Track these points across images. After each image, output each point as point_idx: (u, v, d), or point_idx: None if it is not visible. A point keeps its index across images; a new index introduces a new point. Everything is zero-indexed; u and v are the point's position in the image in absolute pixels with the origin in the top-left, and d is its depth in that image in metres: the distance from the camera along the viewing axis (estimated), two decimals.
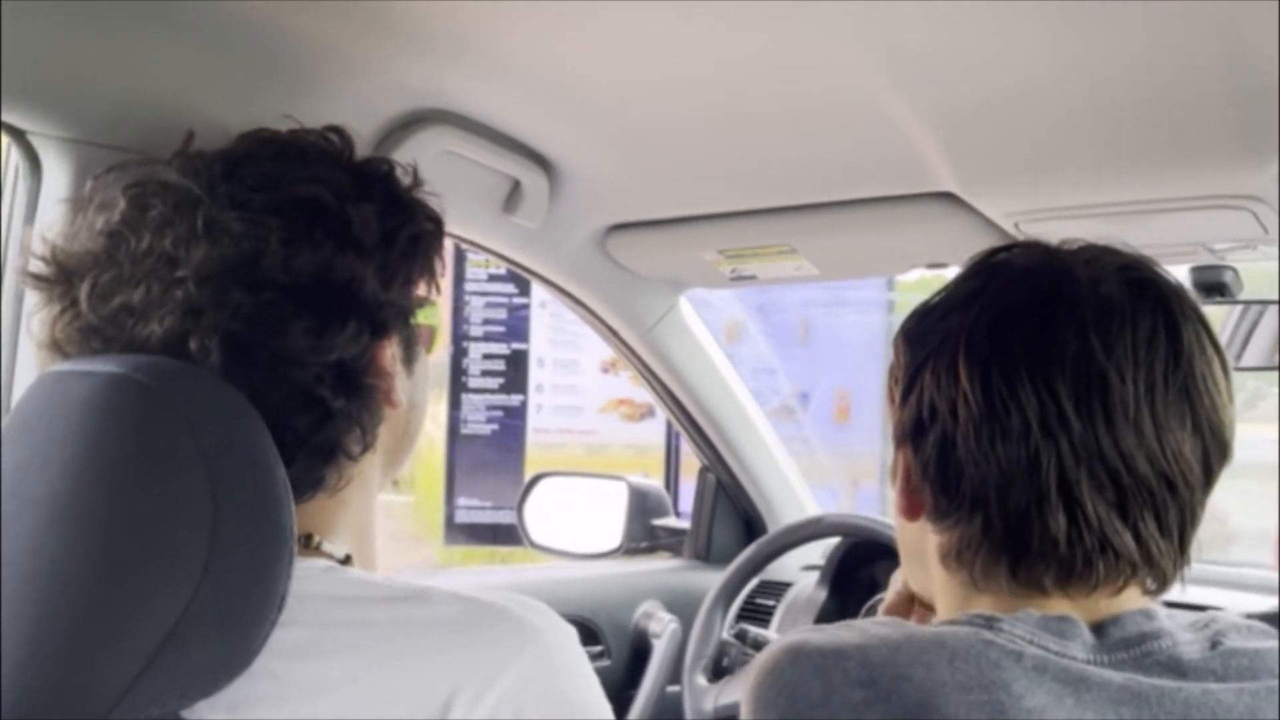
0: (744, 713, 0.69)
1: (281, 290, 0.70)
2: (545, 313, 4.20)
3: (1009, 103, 0.93)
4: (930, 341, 0.73)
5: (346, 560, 0.76)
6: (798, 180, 1.20)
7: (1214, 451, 0.69)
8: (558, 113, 1.09)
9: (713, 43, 0.90)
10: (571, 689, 0.69)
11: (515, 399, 4.21)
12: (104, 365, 0.67)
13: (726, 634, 1.63)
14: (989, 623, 0.66)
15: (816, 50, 0.89)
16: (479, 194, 1.21)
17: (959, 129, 0.99)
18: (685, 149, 1.14)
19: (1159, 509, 0.67)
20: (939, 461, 0.70)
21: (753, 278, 1.45)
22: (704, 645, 1.60)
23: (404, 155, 1.05)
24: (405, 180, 0.80)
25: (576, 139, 1.15)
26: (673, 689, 1.65)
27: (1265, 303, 1.23)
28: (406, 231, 0.78)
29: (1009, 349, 0.68)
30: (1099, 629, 0.67)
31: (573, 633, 0.72)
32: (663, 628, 1.68)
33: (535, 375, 4.24)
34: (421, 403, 0.85)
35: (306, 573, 0.69)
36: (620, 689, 1.66)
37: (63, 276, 0.72)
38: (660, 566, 1.89)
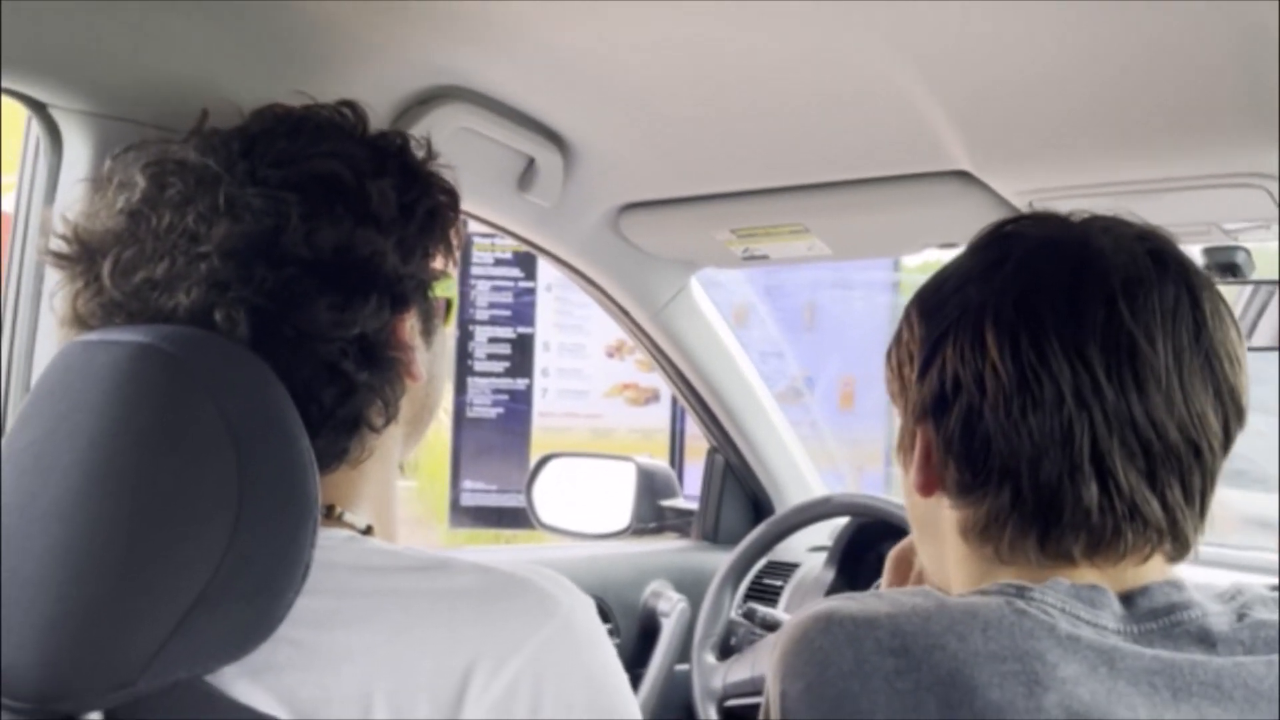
0: (770, 681, 0.68)
1: (304, 266, 0.70)
2: (551, 297, 4.19)
3: (1023, 82, 0.93)
4: (949, 313, 0.72)
5: (368, 531, 0.76)
6: (811, 159, 1.20)
7: (1233, 416, 0.70)
8: (574, 91, 1.09)
9: (728, 23, 0.90)
10: (592, 661, 0.70)
11: (521, 383, 4.21)
12: (130, 335, 0.67)
13: (735, 613, 1.64)
14: (1020, 592, 0.65)
15: (831, 30, 0.89)
16: (494, 171, 1.21)
17: (973, 108, 0.99)
18: (699, 128, 1.14)
19: (1185, 475, 0.68)
20: (964, 435, 0.70)
21: (765, 257, 1.46)
22: (712, 624, 1.61)
23: (420, 131, 1.04)
24: (420, 154, 0.81)
25: (592, 118, 1.15)
26: (681, 667, 1.66)
27: (1275, 283, 1.23)
28: (424, 205, 0.78)
29: (1038, 318, 0.68)
30: (1127, 599, 0.67)
31: (593, 605, 0.72)
32: (671, 607, 1.69)
33: (541, 359, 4.23)
34: (441, 375, 0.86)
35: (329, 542, 0.69)
36: (629, 667, 1.64)
37: (85, 254, 0.73)
38: (668, 546, 1.90)
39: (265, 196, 0.71)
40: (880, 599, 0.68)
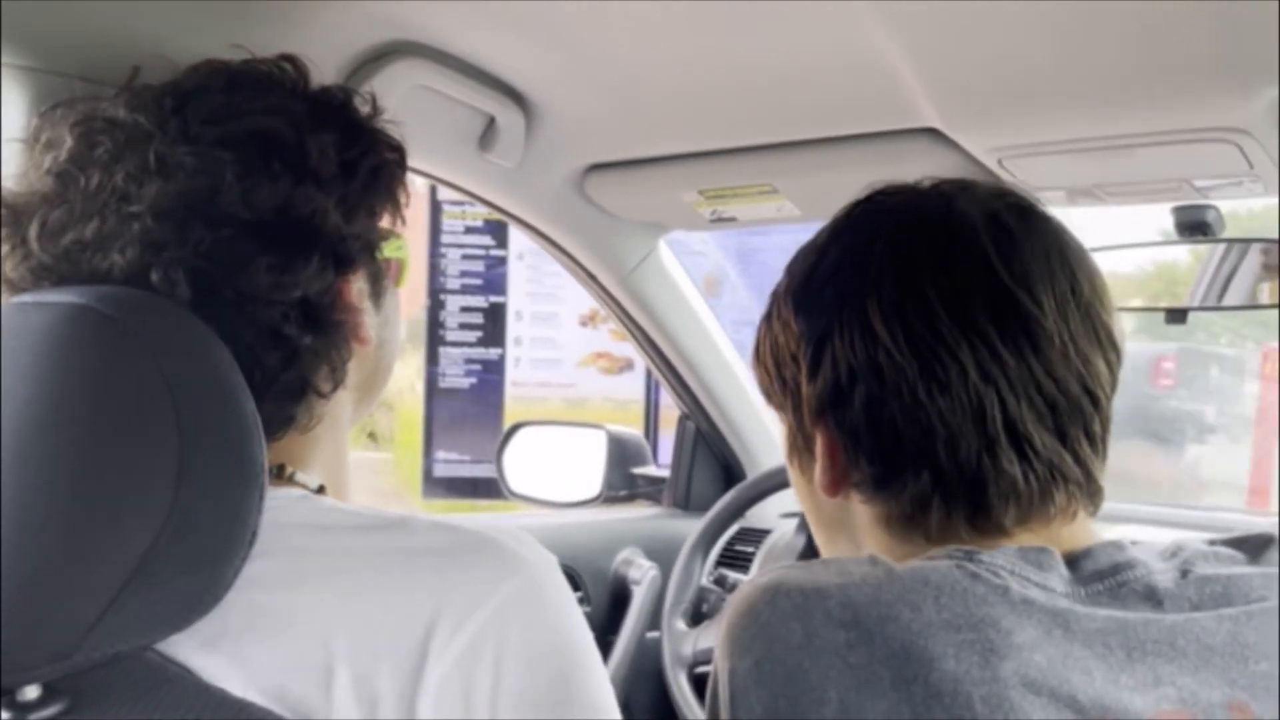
0: (719, 658, 0.66)
1: (242, 226, 0.68)
2: (523, 265, 4.16)
3: (993, 37, 0.91)
4: (828, 303, 0.70)
5: (320, 490, 0.75)
6: (779, 117, 1.17)
7: (1115, 360, 0.70)
8: (535, 47, 1.06)
9: None
10: (557, 619, 0.68)
11: (493, 352, 4.19)
12: (65, 296, 0.65)
13: (706, 580, 1.63)
14: (969, 555, 0.64)
15: None
16: (453, 131, 1.18)
17: (943, 64, 0.97)
18: (665, 86, 1.12)
19: (1088, 425, 0.68)
20: (871, 427, 0.68)
21: (733, 219, 1.44)
22: (683, 591, 1.60)
23: (374, 89, 1.02)
24: (364, 109, 0.78)
25: (554, 75, 1.12)
26: (652, 635, 1.65)
27: (1247, 241, 1.22)
28: (367, 162, 0.76)
29: (921, 293, 0.67)
30: (1071, 561, 0.66)
31: (557, 564, 0.71)
32: (642, 574, 1.68)
33: (513, 328, 4.21)
34: (392, 339, 0.83)
35: (281, 502, 0.68)
36: (600, 635, 1.64)
37: (11, 217, 0.70)
38: (640, 514, 1.89)
39: (198, 155, 0.69)
40: (828, 567, 0.66)
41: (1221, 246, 1.24)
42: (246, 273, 0.68)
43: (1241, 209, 1.18)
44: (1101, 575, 0.65)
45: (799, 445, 0.75)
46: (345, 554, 0.66)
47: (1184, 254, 1.30)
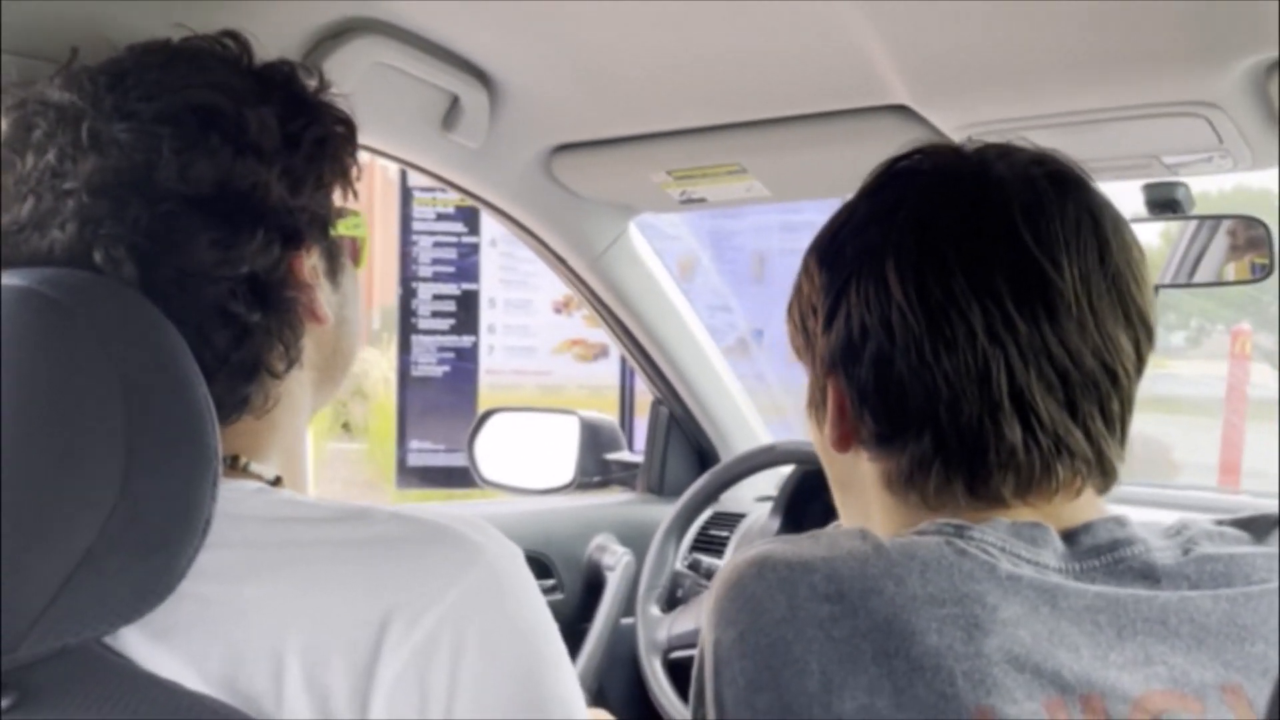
0: (705, 629, 0.66)
1: (181, 200, 0.67)
2: (496, 252, 4.15)
3: (961, 12, 0.90)
4: (849, 258, 0.70)
5: (277, 482, 0.73)
6: (747, 96, 1.16)
7: (1144, 338, 0.68)
8: (498, 24, 1.04)
9: None
10: (518, 610, 0.67)
11: (467, 340, 4.17)
12: (9, 279, 0.63)
13: (680, 565, 1.63)
14: (959, 531, 0.63)
15: None
16: (416, 110, 1.16)
17: (911, 40, 0.96)
18: (632, 65, 1.10)
19: (1104, 402, 0.66)
20: (878, 383, 0.68)
21: (702, 200, 1.42)
22: (657, 576, 1.59)
23: (333, 67, 1.01)
24: (310, 83, 0.77)
25: (517, 53, 1.10)
26: (627, 621, 1.64)
27: (1217, 217, 1.22)
28: (311, 133, 0.74)
29: (940, 255, 0.66)
30: (1069, 537, 0.65)
31: (518, 552, 0.69)
32: (616, 560, 1.67)
33: (487, 316, 4.19)
34: (353, 319, 0.82)
35: (236, 494, 0.66)
36: (574, 622, 1.65)
37: None
38: (613, 500, 1.88)
39: (133, 130, 0.67)
40: (816, 541, 0.65)
41: (1192, 225, 1.24)
42: (189, 249, 0.67)
43: (1212, 189, 1.18)
44: (1099, 551, 0.65)
45: (817, 399, 0.74)
46: (299, 546, 0.65)
47: (1155, 238, 1.30)
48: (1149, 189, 1.22)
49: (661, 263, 1.71)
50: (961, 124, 1.10)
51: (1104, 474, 0.68)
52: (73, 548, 0.58)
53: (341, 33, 1.01)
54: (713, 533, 1.73)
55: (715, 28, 1.00)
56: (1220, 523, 0.69)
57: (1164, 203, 1.21)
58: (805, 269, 0.74)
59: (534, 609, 0.68)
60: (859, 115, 1.14)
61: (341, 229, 0.79)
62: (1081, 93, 1.00)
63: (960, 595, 0.60)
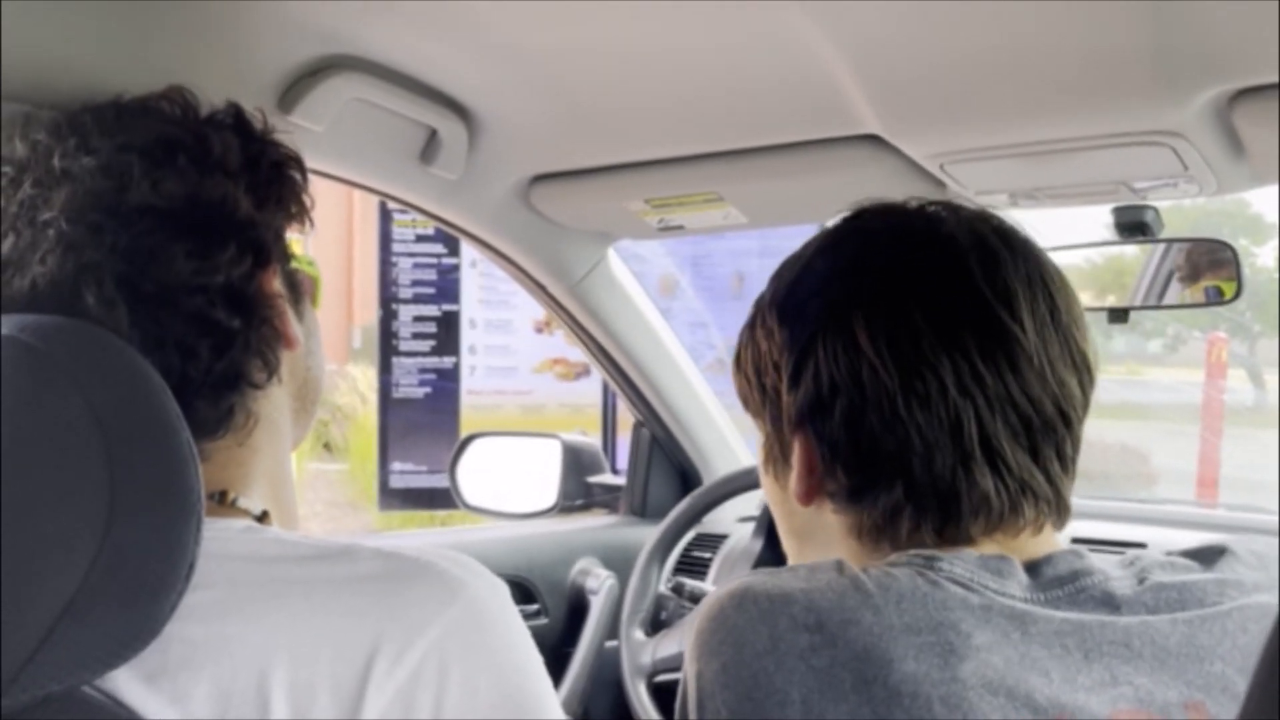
0: (688, 661, 0.67)
1: (155, 218, 0.69)
2: (476, 272, 4.15)
3: (930, 43, 0.92)
4: (814, 315, 0.71)
5: (264, 517, 0.74)
6: (723, 126, 1.17)
7: (1087, 381, 0.72)
8: (473, 58, 1.05)
9: None
10: (500, 644, 0.67)
11: (448, 361, 4.16)
12: None
13: (664, 587, 1.63)
14: (929, 562, 0.65)
15: None
16: (394, 144, 1.17)
17: (881, 71, 0.97)
18: (608, 96, 1.11)
19: (1059, 445, 0.70)
20: (850, 438, 0.69)
21: (680, 227, 1.43)
22: (641, 599, 1.60)
23: (313, 104, 1.02)
24: (256, 123, 0.80)
25: (494, 86, 1.11)
26: (611, 644, 1.64)
27: (1185, 240, 1.24)
28: (268, 157, 0.78)
29: (907, 309, 0.68)
30: (1032, 568, 0.67)
31: (502, 586, 0.70)
32: (600, 584, 1.67)
33: (468, 336, 4.19)
34: (318, 352, 0.84)
35: (224, 533, 0.67)
36: (558, 646, 1.65)
37: None
38: (596, 524, 1.88)
39: (101, 160, 0.70)
40: (795, 574, 0.67)
41: (1161, 247, 1.26)
42: (165, 262, 0.69)
43: (1186, 201, 1.20)
44: (1061, 581, 0.67)
45: (775, 454, 0.76)
46: (284, 584, 0.65)
47: (1131, 247, 1.32)
48: (1118, 212, 1.23)
49: (641, 283, 1.72)
50: (932, 153, 1.11)
51: (1060, 512, 0.71)
52: (56, 596, 0.58)
53: (319, 70, 1.02)
54: (696, 554, 1.73)
55: (688, 60, 1.01)
56: (1170, 553, 0.72)
57: (1133, 226, 1.23)
58: (761, 325, 0.76)
59: (517, 644, 0.69)
60: (833, 144, 1.15)
61: (302, 265, 0.82)
62: (1050, 123, 1.02)
63: (935, 624, 0.62)
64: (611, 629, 1.64)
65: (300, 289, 0.82)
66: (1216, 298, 1.23)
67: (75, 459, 0.60)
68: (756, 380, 0.76)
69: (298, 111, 1.01)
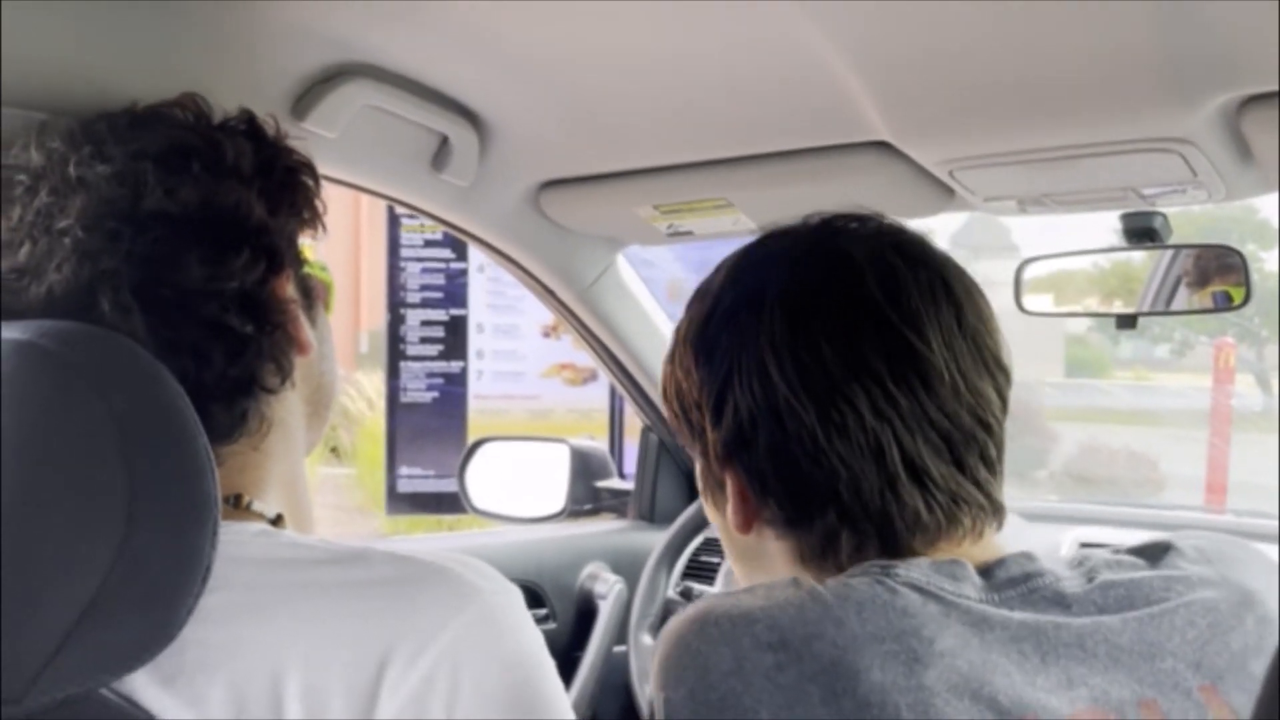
0: (654, 689, 0.66)
1: (170, 223, 0.70)
2: (484, 277, 4.15)
3: (939, 50, 0.92)
4: (725, 350, 0.72)
5: (278, 520, 0.75)
6: (732, 133, 1.18)
7: (1004, 383, 0.73)
8: (486, 66, 1.06)
9: None
10: (512, 650, 0.68)
11: (455, 366, 4.17)
12: (9, 332, 0.64)
13: (672, 592, 1.63)
14: (886, 570, 0.66)
15: (748, 2, 0.87)
16: (406, 151, 1.18)
17: (890, 77, 0.98)
18: (618, 103, 1.12)
19: (983, 451, 0.71)
20: (776, 471, 0.70)
21: (689, 233, 1.44)
22: (649, 604, 1.60)
23: (326, 110, 1.02)
24: (269, 129, 0.81)
25: (505, 93, 1.12)
26: (619, 649, 1.65)
27: (1192, 247, 1.24)
28: (281, 163, 0.78)
29: (814, 339, 0.69)
30: (985, 571, 0.68)
31: (516, 592, 0.71)
32: (608, 589, 1.68)
33: (475, 341, 4.19)
34: (330, 357, 0.85)
35: (239, 537, 0.68)
36: (566, 651, 1.65)
37: None
38: (604, 528, 1.88)
39: (116, 167, 0.70)
40: (754, 593, 0.67)
41: (1169, 253, 1.26)
42: (180, 269, 0.70)
43: (1195, 207, 1.20)
44: (1014, 582, 0.67)
45: (711, 484, 0.76)
46: (298, 588, 0.66)
47: (1140, 252, 1.32)
48: (1126, 218, 1.24)
49: (649, 288, 1.72)
50: (941, 159, 1.11)
51: (995, 513, 0.72)
52: (75, 600, 0.59)
53: (332, 77, 1.02)
54: (704, 559, 1.74)
55: (698, 67, 1.01)
56: (1117, 552, 0.72)
57: (1141, 232, 1.23)
58: (679, 361, 0.76)
59: (528, 647, 0.69)
60: (842, 151, 1.15)
61: (315, 271, 0.82)
62: (1058, 129, 1.02)
63: (898, 631, 0.62)
64: (620, 634, 1.65)
65: (313, 294, 0.82)
66: (1225, 303, 1.23)
67: (94, 464, 0.60)
68: (683, 414, 0.76)
69: (311, 118, 1.02)
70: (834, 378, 0.68)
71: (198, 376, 0.69)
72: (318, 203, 0.81)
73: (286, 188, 0.78)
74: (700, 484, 0.78)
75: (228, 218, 0.72)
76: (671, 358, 0.77)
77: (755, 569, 0.77)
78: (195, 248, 0.70)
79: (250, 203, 0.74)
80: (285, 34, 0.97)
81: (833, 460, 0.68)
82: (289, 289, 0.77)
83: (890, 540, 0.69)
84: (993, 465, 0.71)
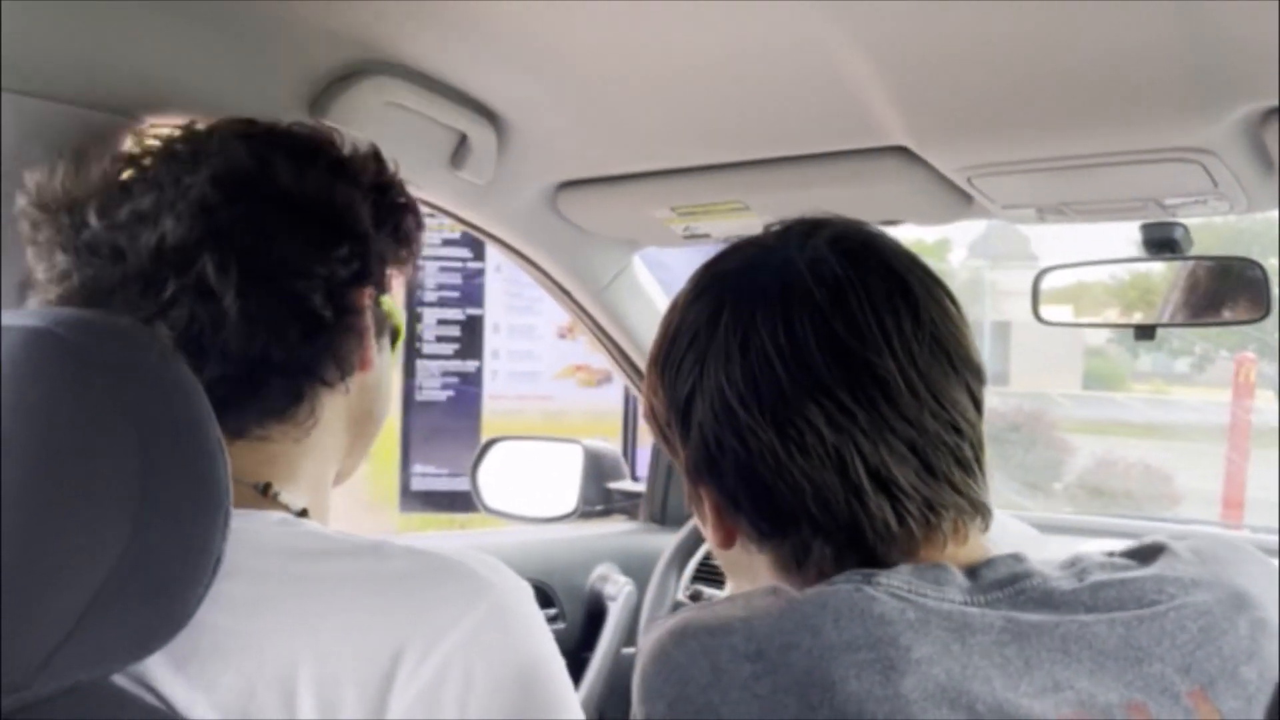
0: (635, 703, 0.66)
1: (288, 202, 0.74)
2: (501, 277, 4.15)
3: (960, 57, 0.92)
4: (687, 373, 0.71)
5: (303, 513, 0.75)
6: (750, 136, 1.18)
7: (974, 382, 0.71)
8: (505, 65, 1.06)
9: None
10: (525, 645, 0.68)
11: (471, 365, 4.17)
12: (22, 319, 0.64)
13: (682, 594, 1.63)
14: (867, 578, 0.65)
15: (771, 5, 0.87)
16: (425, 148, 1.18)
17: (911, 83, 0.98)
18: (636, 104, 1.12)
19: (956, 454, 0.69)
20: (745, 489, 0.70)
21: (706, 236, 1.44)
22: (659, 606, 1.60)
23: (345, 107, 1.03)
24: (391, 164, 0.84)
25: (525, 92, 1.12)
26: (628, 651, 1.65)
27: (1214, 259, 1.24)
28: (396, 193, 0.83)
29: (767, 359, 0.68)
30: (971, 573, 0.67)
31: (528, 589, 0.71)
32: (618, 590, 1.68)
33: (491, 341, 4.19)
34: (387, 385, 0.86)
35: (260, 524, 0.69)
36: (576, 652, 1.65)
37: (67, 202, 0.74)
38: (615, 529, 1.88)
39: (251, 147, 0.75)
40: (732, 603, 0.66)
41: (1190, 264, 1.26)
42: (285, 243, 0.73)
43: (1217, 219, 1.19)
44: (1001, 584, 0.67)
45: (695, 498, 0.76)
46: (314, 579, 0.66)
47: (1159, 264, 1.31)
48: (1146, 229, 1.23)
49: (664, 290, 1.72)
50: (961, 165, 1.11)
51: (978, 513, 0.71)
52: (85, 588, 0.59)
53: (352, 74, 1.03)
54: (714, 563, 1.73)
55: (717, 70, 1.01)
56: (1111, 553, 0.71)
57: (1162, 242, 1.22)
58: (649, 383, 0.76)
59: (540, 644, 0.70)
60: (860, 156, 1.15)
61: (391, 313, 0.85)
62: (1079, 137, 1.02)
63: (874, 639, 0.61)
64: (629, 635, 1.64)
65: (383, 325, 0.84)
66: (1245, 316, 1.22)
67: (107, 453, 0.60)
68: (661, 431, 0.76)
69: (331, 115, 1.03)
70: (787, 395, 0.67)
71: (266, 349, 0.71)
72: (415, 244, 0.84)
73: (394, 213, 0.82)
74: (686, 496, 0.78)
75: (338, 214, 0.76)
76: (647, 374, 0.77)
77: (744, 579, 0.77)
78: (303, 230, 0.74)
79: (360, 210, 0.77)
80: (307, 32, 0.97)
81: (796, 476, 0.67)
82: (368, 302, 0.79)
83: (865, 551, 0.68)
84: (969, 467, 0.70)
